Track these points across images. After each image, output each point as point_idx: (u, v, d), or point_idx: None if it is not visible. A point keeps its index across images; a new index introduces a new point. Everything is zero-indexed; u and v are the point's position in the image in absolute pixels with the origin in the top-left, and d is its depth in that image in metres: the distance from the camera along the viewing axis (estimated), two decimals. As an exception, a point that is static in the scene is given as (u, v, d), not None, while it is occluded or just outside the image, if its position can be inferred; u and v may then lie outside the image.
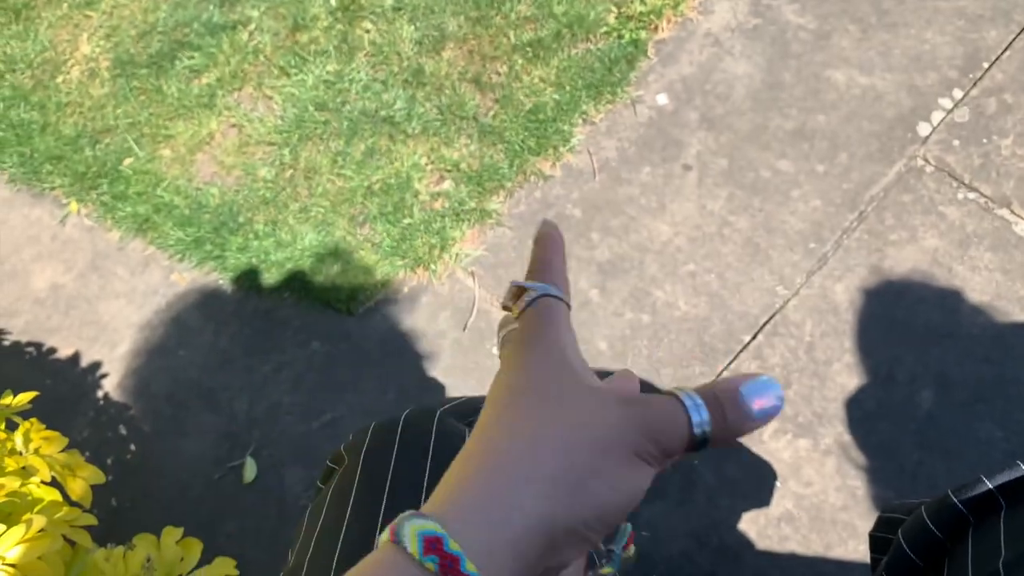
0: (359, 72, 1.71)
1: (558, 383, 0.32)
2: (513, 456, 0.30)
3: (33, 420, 1.02)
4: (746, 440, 1.27)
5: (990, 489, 0.55)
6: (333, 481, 0.62)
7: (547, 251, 0.38)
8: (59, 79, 1.84)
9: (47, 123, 1.79)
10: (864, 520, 1.19)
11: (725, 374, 1.33)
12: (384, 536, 0.28)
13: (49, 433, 1.02)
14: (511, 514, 0.28)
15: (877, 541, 0.72)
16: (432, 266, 1.50)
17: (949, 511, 0.57)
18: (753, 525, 1.22)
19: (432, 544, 0.26)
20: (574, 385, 0.32)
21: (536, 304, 0.36)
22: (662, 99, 1.59)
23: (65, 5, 1.92)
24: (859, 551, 1.17)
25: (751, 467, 1.25)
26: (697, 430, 0.32)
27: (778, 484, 1.24)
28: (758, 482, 1.24)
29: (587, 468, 0.29)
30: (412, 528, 0.27)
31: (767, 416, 0.32)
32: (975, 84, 1.48)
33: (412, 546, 0.27)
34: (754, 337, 1.35)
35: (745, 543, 1.20)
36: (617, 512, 0.30)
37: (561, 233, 0.39)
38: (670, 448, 0.32)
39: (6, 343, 1.59)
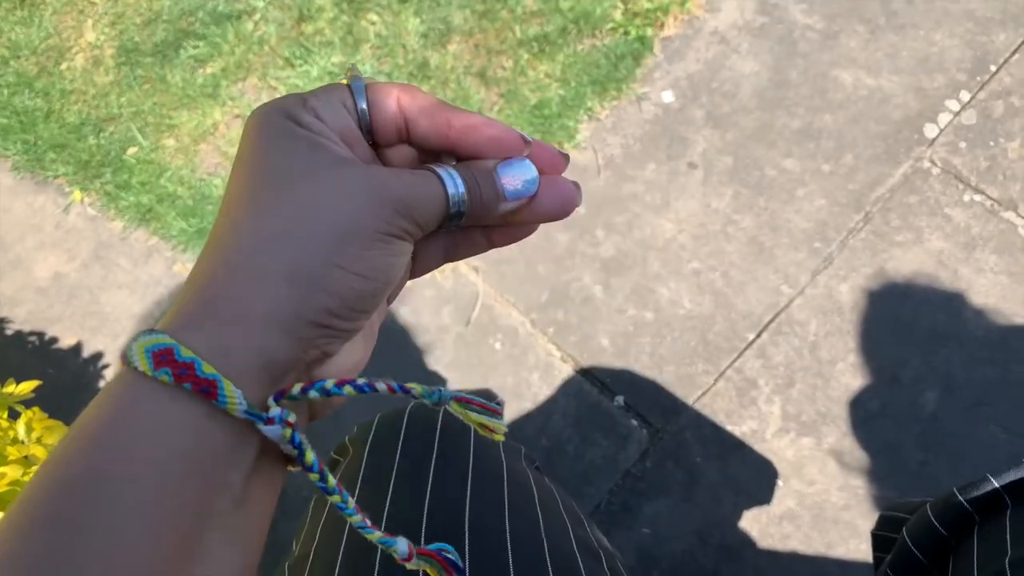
0: (364, 64, 1.71)
1: (292, 157, 0.29)
2: (241, 254, 0.27)
3: (35, 409, 1.02)
4: (749, 439, 1.27)
5: (996, 488, 0.55)
6: (338, 472, 0.62)
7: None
8: (63, 66, 1.83)
9: (51, 111, 1.78)
10: (866, 520, 1.19)
11: (729, 372, 1.32)
12: (117, 365, 0.27)
13: (51, 422, 1.01)
14: (244, 314, 0.26)
15: (879, 539, 0.72)
16: (436, 260, 1.49)
17: (955, 510, 0.57)
18: (755, 523, 1.21)
19: (162, 356, 0.25)
20: (311, 159, 0.29)
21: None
22: (668, 96, 1.59)
23: (70, -7, 1.92)
24: (861, 550, 1.17)
25: (753, 465, 1.25)
26: (452, 202, 0.31)
27: (780, 483, 1.24)
28: (760, 480, 1.24)
29: (324, 259, 0.27)
30: (139, 346, 0.25)
31: (519, 196, 0.32)
32: (983, 87, 1.48)
33: (142, 364, 0.25)
34: (758, 336, 1.34)
35: (747, 541, 1.20)
36: (369, 296, 0.29)
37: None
38: (424, 221, 0.30)
39: (8, 332, 1.59)
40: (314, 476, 0.28)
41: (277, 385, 0.27)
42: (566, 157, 0.34)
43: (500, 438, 0.31)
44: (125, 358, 0.26)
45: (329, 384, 0.27)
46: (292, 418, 0.26)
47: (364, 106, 0.31)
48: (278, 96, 1.64)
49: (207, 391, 0.25)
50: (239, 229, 0.28)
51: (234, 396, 0.25)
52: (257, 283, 0.26)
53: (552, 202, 0.33)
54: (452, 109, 0.32)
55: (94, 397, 0.26)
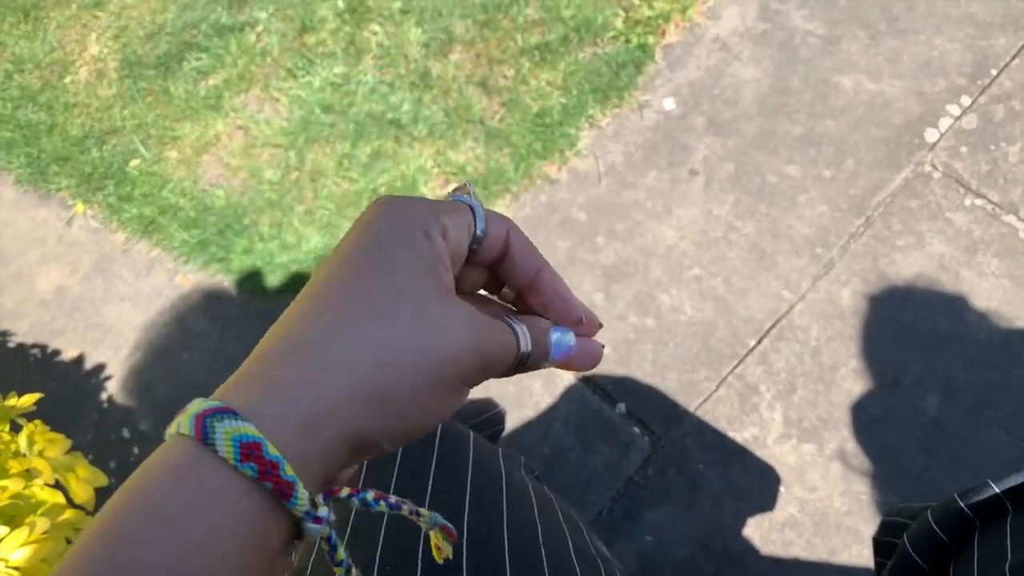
0: (366, 74, 1.71)
1: (410, 274, 0.29)
2: (335, 363, 0.27)
3: (37, 422, 1.02)
4: (751, 445, 1.27)
5: (997, 493, 0.55)
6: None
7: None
8: (67, 80, 1.85)
9: (54, 124, 1.79)
10: (868, 525, 1.18)
11: (731, 379, 1.32)
12: (180, 429, 0.25)
13: (53, 435, 1.01)
14: (326, 422, 0.26)
15: (881, 545, 0.72)
16: (437, 269, 1.50)
17: (955, 516, 0.56)
18: (757, 530, 1.21)
19: (250, 451, 0.24)
20: (426, 284, 0.29)
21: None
22: (669, 104, 1.59)
23: (74, 5, 1.93)
24: (863, 556, 1.16)
25: (756, 472, 1.25)
26: (520, 358, 0.33)
27: (782, 489, 1.23)
28: (763, 487, 1.24)
29: (411, 394, 0.28)
30: (226, 432, 0.24)
31: (561, 356, 0.35)
32: (983, 91, 1.47)
33: (227, 452, 0.24)
34: (759, 342, 1.34)
35: (749, 548, 1.20)
36: (424, 430, 0.29)
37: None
38: (494, 372, 0.32)
39: (11, 345, 1.59)
40: (340, 571, 0.29)
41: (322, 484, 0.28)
42: (600, 325, 0.38)
43: (440, 560, 0.33)
44: (203, 435, 0.25)
45: (370, 497, 0.28)
46: (333, 517, 0.27)
47: (480, 232, 0.33)
48: (280, 106, 1.63)
49: (285, 493, 0.25)
50: (342, 328, 0.27)
51: (304, 499, 0.25)
52: (346, 396, 0.26)
53: (583, 362, 0.37)
54: (542, 259, 0.36)
55: (150, 460, 0.25)
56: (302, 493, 0.25)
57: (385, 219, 0.30)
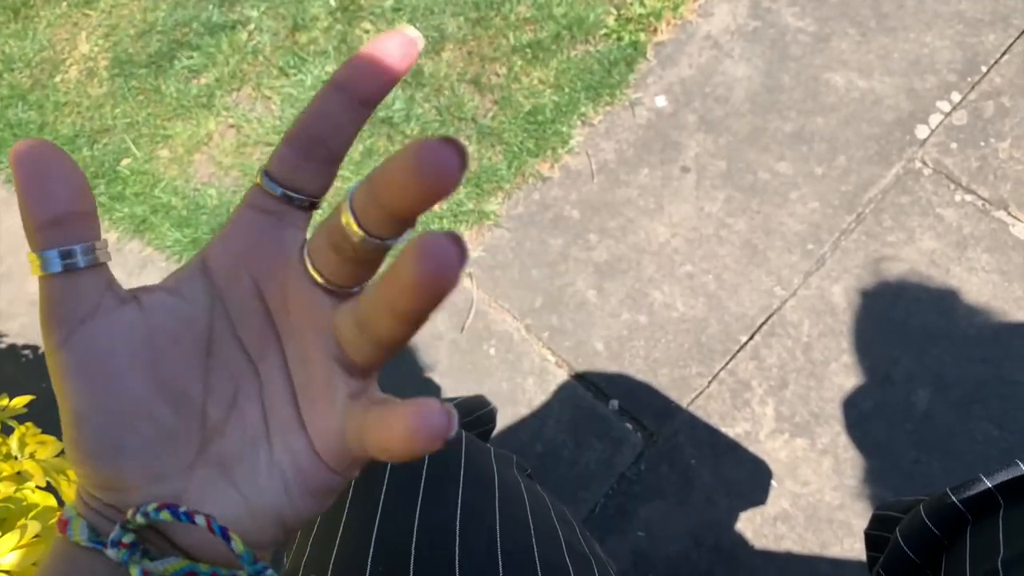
0: (358, 73, 1.71)
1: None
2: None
3: (28, 424, 1.01)
4: (743, 440, 1.28)
5: (989, 488, 0.55)
6: None
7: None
8: (57, 78, 1.84)
9: (45, 123, 1.79)
10: (860, 519, 1.19)
11: (723, 375, 1.33)
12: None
13: (45, 437, 1.01)
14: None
15: (872, 539, 0.73)
16: (430, 267, 1.50)
17: (948, 510, 0.57)
18: (750, 524, 1.22)
19: (61, 519, 0.30)
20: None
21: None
22: (661, 101, 1.59)
23: (64, 4, 1.93)
24: (855, 550, 1.17)
25: (748, 467, 1.25)
26: None
27: (775, 483, 1.24)
28: (755, 481, 1.24)
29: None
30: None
31: None
32: (973, 87, 1.48)
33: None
34: (751, 338, 1.35)
35: (741, 542, 1.21)
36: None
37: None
38: None
39: (2, 346, 1.59)
40: None
41: None
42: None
43: None
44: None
45: (150, 508, 0.28)
46: (127, 539, 0.28)
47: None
48: (272, 104, 1.63)
49: (62, 528, 0.29)
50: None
51: (78, 527, 0.29)
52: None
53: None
54: None
55: None
56: (76, 525, 0.29)
57: None
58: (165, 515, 0.27)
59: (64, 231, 0.26)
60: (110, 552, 0.28)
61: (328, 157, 0.28)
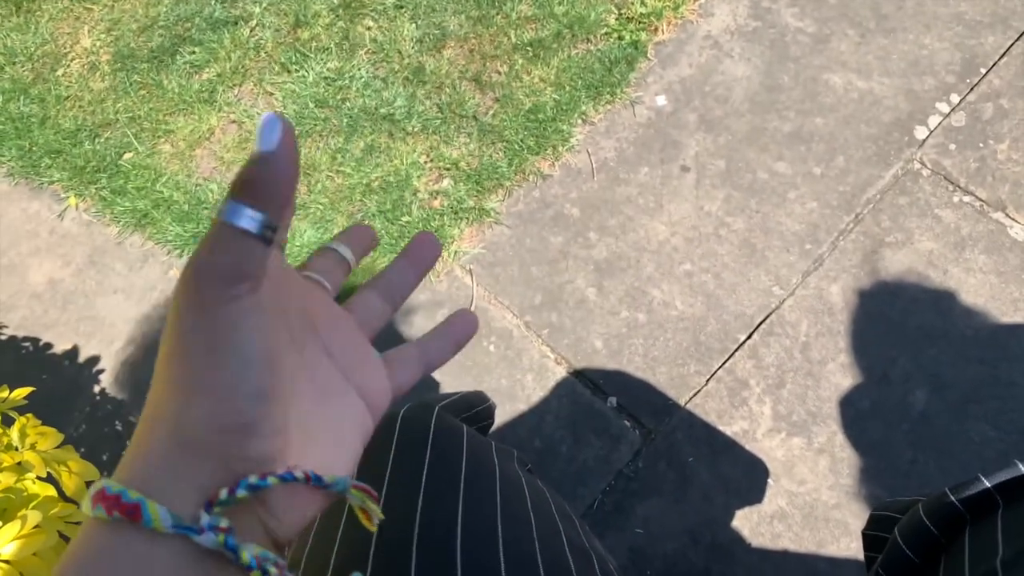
0: (360, 69, 1.72)
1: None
2: (150, 406, 0.30)
3: (29, 416, 1.02)
4: (740, 438, 1.28)
5: (988, 488, 0.55)
6: None
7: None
8: (59, 72, 1.84)
9: (47, 116, 1.79)
10: (857, 518, 1.20)
11: (721, 373, 1.33)
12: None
13: (45, 429, 1.01)
14: (152, 452, 0.29)
15: (870, 539, 0.73)
16: (430, 263, 1.50)
17: (947, 510, 0.57)
18: (747, 522, 1.22)
19: (97, 497, 0.27)
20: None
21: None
22: (661, 100, 1.60)
23: (66, -1, 1.93)
24: (851, 548, 1.18)
25: (745, 465, 1.26)
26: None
27: (771, 482, 1.24)
28: (752, 480, 1.25)
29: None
30: (88, 495, 0.28)
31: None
32: (972, 89, 1.49)
33: (86, 506, 0.27)
34: (749, 337, 1.35)
35: (738, 540, 1.21)
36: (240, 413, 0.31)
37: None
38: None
39: (3, 338, 1.59)
40: (256, 574, 0.29)
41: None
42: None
43: (373, 528, 0.34)
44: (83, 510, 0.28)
45: (253, 479, 0.28)
46: (224, 523, 0.27)
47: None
48: (274, 100, 1.63)
49: (133, 514, 0.26)
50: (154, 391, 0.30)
51: (157, 513, 0.26)
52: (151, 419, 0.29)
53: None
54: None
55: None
56: (153, 510, 0.26)
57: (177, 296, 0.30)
58: (272, 480, 0.28)
59: (271, 207, 0.28)
60: (203, 538, 0.27)
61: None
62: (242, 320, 0.28)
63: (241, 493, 0.28)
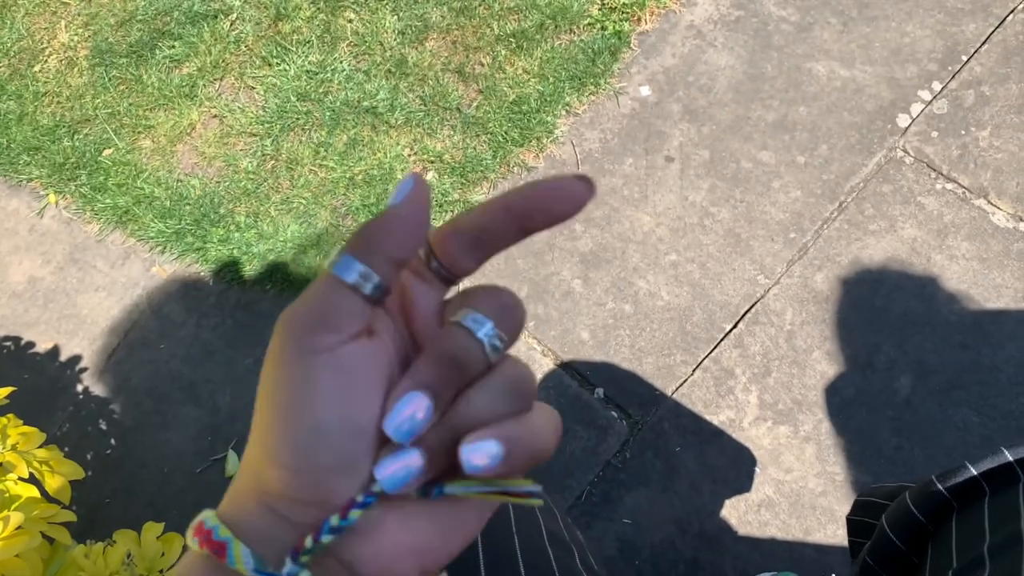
0: (342, 62, 1.70)
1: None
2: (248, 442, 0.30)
3: (10, 416, 1.01)
4: (727, 428, 1.29)
5: (975, 475, 0.55)
6: None
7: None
8: (36, 68, 1.82)
9: (24, 113, 1.77)
10: (843, 505, 1.20)
11: (707, 363, 1.34)
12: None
13: (27, 429, 1.00)
14: (242, 493, 0.29)
15: (854, 524, 0.73)
16: (415, 257, 1.50)
17: (933, 497, 0.57)
18: (734, 511, 1.23)
19: (197, 528, 0.28)
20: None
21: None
22: (645, 91, 1.60)
23: (42, -6, 1.90)
24: (838, 535, 1.18)
25: (732, 454, 1.26)
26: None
27: (758, 470, 1.25)
28: (739, 469, 1.25)
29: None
30: (191, 526, 0.29)
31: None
32: (954, 77, 1.49)
33: (189, 539, 0.28)
34: (735, 326, 1.36)
35: (726, 529, 1.22)
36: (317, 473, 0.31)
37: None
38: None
39: (-16, 336, 1.58)
40: None
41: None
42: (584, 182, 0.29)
43: (537, 502, 0.31)
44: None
45: (335, 520, 0.27)
46: (306, 574, 0.27)
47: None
48: (255, 94, 1.61)
49: (219, 552, 0.27)
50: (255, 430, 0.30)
51: (240, 555, 0.27)
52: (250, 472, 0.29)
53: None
54: (500, 197, 0.30)
55: None
56: (237, 550, 0.27)
57: (278, 337, 0.30)
58: (354, 514, 0.27)
59: (382, 262, 0.28)
60: None
61: (482, 257, 0.31)
62: (319, 377, 0.27)
63: (326, 539, 0.27)
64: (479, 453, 0.27)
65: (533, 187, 0.29)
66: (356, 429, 0.28)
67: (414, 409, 0.27)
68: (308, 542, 0.27)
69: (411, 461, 0.27)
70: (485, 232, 0.30)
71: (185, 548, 0.29)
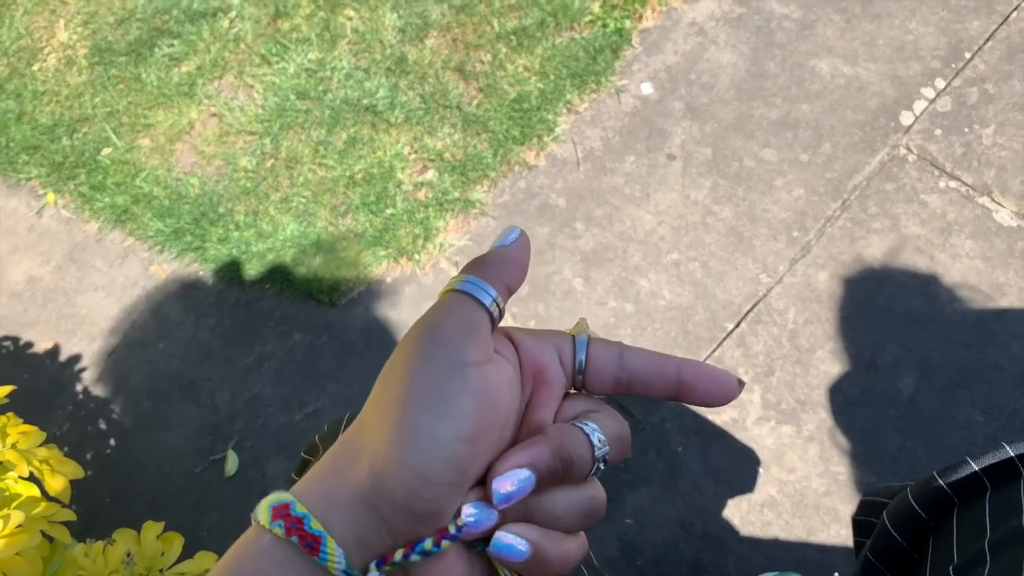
0: (341, 60, 1.70)
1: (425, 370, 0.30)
2: (356, 434, 0.31)
3: (10, 415, 1.00)
4: (729, 427, 1.28)
5: (976, 471, 0.55)
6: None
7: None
8: (35, 67, 1.81)
9: (23, 112, 1.76)
10: (847, 505, 1.20)
11: (709, 362, 1.33)
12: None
13: (27, 428, 1.00)
14: (341, 485, 0.29)
15: (860, 525, 0.73)
16: (416, 256, 1.49)
17: (935, 493, 0.57)
18: (737, 511, 1.22)
19: (280, 511, 0.27)
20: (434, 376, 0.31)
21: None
22: (647, 88, 1.59)
23: (41, -8, 1.90)
24: (841, 535, 1.18)
25: (735, 454, 1.26)
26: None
27: (761, 470, 1.24)
28: (741, 469, 1.24)
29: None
30: (265, 501, 0.28)
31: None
32: (957, 74, 1.49)
33: (263, 516, 0.28)
34: (737, 325, 1.35)
35: (729, 529, 1.21)
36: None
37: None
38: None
39: (-18, 336, 1.57)
40: None
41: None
42: (740, 384, 0.35)
43: None
44: (254, 513, 0.29)
45: (428, 544, 0.28)
46: None
47: (582, 359, 0.34)
48: (254, 92, 1.60)
49: (311, 546, 0.27)
50: (364, 414, 0.32)
51: (335, 554, 0.27)
52: (355, 463, 0.30)
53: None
54: (672, 359, 0.34)
55: None
56: (332, 548, 0.27)
57: (407, 348, 0.31)
58: (446, 544, 0.28)
59: (504, 290, 0.32)
60: None
61: (620, 393, 0.36)
62: (471, 389, 0.29)
63: (414, 558, 0.28)
64: (511, 537, 0.29)
65: (702, 369, 0.33)
66: (480, 451, 0.29)
67: (521, 485, 0.29)
68: (398, 555, 0.28)
69: (525, 483, 0.29)
70: (647, 386, 0.34)
71: (197, 546, 0.29)
